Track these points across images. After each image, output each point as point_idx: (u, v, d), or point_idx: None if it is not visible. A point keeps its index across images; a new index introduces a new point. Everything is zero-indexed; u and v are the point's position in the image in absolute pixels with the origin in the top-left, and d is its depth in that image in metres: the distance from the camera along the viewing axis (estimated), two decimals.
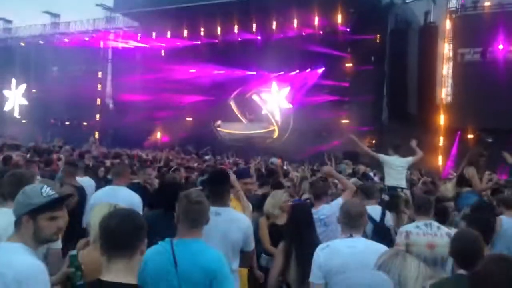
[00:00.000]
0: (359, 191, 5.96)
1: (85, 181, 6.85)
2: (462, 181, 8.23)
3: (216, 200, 4.02)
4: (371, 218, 5.02)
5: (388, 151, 9.48)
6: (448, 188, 8.15)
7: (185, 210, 3.13)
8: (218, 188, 4.13)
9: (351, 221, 3.59)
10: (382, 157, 9.29)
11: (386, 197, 6.60)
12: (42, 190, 2.64)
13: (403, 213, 6.17)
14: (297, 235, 4.14)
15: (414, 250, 4.30)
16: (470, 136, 20.72)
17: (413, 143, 9.32)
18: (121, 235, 2.28)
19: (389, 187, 8.58)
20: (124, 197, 5.13)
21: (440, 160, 21.33)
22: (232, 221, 3.99)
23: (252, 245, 4.10)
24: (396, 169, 8.88)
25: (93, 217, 3.35)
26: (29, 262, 2.46)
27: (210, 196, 3.99)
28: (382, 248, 3.24)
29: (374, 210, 5.54)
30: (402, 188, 8.54)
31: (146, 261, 2.86)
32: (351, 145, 22.67)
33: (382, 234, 5.16)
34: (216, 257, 3.07)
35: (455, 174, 8.20)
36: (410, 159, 9.15)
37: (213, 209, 3.86)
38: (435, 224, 4.66)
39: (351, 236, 3.54)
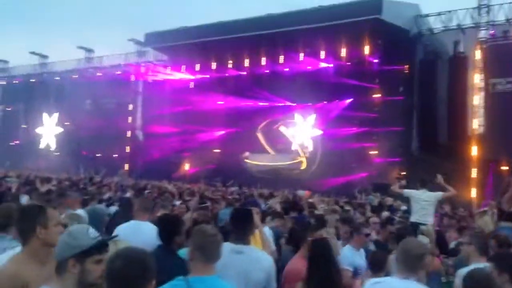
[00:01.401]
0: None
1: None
2: (502, 214, 7.81)
3: (239, 237, 3.89)
4: None
5: (416, 184, 9.14)
6: (487, 222, 7.66)
7: (201, 244, 3.04)
8: (241, 225, 3.99)
9: (409, 262, 3.35)
10: (406, 192, 8.92)
11: (392, 229, 6.27)
12: (89, 231, 2.51)
13: None
14: (316, 273, 3.94)
15: None
16: (504, 168, 20.06)
17: (439, 178, 8.67)
18: (126, 278, 2.14)
19: (412, 224, 8.02)
20: (147, 232, 5.02)
21: (473, 192, 20.68)
22: (255, 260, 3.83)
23: (274, 286, 3.90)
24: (420, 204, 8.41)
25: None
26: None
27: (233, 233, 3.91)
28: None
29: None
30: (426, 225, 7.85)
31: None
32: (379, 176, 22.52)
33: None
34: None
35: (492, 206, 7.79)
36: (439, 195, 8.60)
37: (235, 247, 3.79)
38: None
39: (406, 278, 3.29)
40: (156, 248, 4.14)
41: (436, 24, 23.31)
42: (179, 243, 4.21)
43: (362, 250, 5.70)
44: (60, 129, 35.12)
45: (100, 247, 2.49)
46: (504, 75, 20.99)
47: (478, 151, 21.44)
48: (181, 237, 4.24)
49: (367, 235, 5.95)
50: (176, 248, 4.18)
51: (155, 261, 2.30)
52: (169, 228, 4.23)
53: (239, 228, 3.97)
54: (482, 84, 21.93)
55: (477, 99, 22.07)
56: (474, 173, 21.11)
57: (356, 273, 5.30)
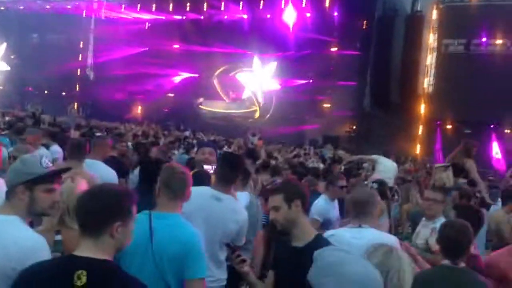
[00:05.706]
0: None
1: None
2: (458, 171, 8.09)
3: (220, 184, 3.85)
4: None
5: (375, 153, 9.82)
6: (448, 176, 7.88)
7: (167, 180, 3.02)
8: (225, 171, 3.90)
9: (357, 210, 3.40)
10: (379, 158, 9.53)
11: (374, 185, 6.50)
12: (42, 160, 2.52)
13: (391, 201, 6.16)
14: None
15: None
16: (449, 126, 20.96)
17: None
18: (90, 213, 2.09)
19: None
20: (100, 172, 5.00)
21: (418, 149, 21.57)
22: (232, 211, 3.79)
23: (242, 241, 3.85)
24: (387, 171, 9.04)
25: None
26: (32, 236, 2.38)
27: (216, 178, 3.91)
28: (390, 240, 3.08)
29: None
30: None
31: None
32: (330, 129, 23.04)
33: None
34: (193, 233, 2.99)
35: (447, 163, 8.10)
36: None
37: (214, 193, 3.77)
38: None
39: (360, 226, 3.33)
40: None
41: None
42: None
43: (336, 202, 5.86)
44: (5, 66, 33.36)
45: (52, 177, 2.52)
46: (457, 36, 21.55)
47: (425, 109, 22.22)
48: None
49: (342, 187, 6.00)
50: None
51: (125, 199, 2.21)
52: (153, 169, 4.30)
53: (223, 173, 3.91)
54: (435, 44, 22.44)
55: (429, 59, 22.63)
56: (420, 130, 21.95)
57: (328, 223, 5.47)
